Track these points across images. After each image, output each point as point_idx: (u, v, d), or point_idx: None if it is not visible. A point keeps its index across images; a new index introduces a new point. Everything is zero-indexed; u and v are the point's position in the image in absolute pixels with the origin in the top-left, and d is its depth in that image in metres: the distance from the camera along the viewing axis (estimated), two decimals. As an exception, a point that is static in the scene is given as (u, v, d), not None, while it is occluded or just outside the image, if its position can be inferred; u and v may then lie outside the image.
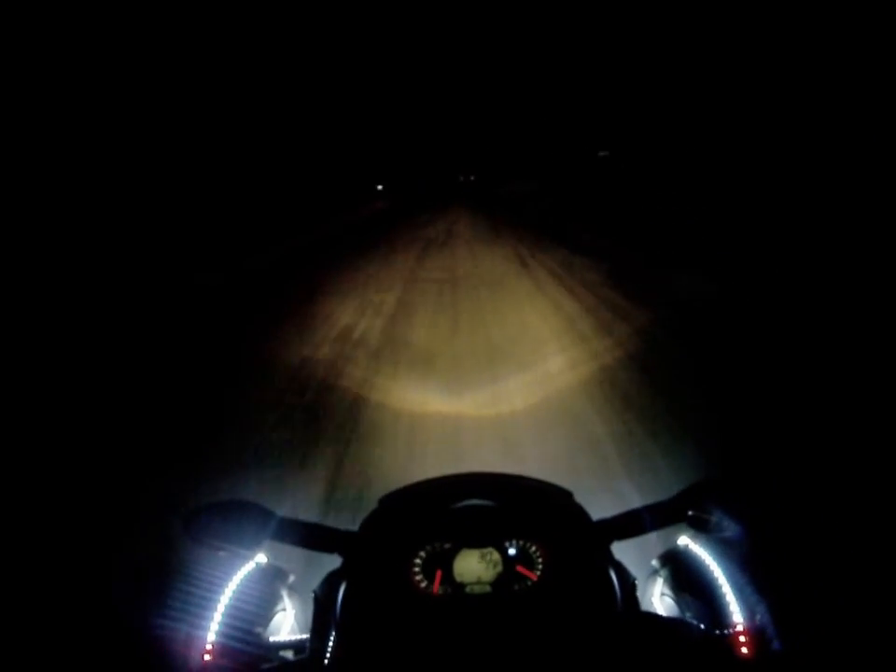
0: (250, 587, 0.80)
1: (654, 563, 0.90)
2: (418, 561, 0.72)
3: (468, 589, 0.69)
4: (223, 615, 0.74)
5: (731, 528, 0.73)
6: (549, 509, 0.79)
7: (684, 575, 0.82)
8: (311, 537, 0.79)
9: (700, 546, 0.82)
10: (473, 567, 0.71)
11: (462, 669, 0.62)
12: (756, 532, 0.72)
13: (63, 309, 5.80)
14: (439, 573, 0.71)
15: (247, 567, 0.82)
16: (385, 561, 0.73)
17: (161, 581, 0.76)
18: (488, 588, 0.69)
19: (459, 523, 0.78)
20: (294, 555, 0.82)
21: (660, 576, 0.88)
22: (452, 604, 0.68)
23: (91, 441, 3.11)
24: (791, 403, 3.26)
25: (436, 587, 0.70)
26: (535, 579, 0.70)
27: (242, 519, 0.78)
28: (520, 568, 0.71)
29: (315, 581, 0.78)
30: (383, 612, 0.68)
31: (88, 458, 2.92)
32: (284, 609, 0.88)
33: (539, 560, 0.72)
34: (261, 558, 0.85)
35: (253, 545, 0.78)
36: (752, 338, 4.48)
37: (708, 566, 0.78)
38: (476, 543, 0.74)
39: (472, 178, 46.87)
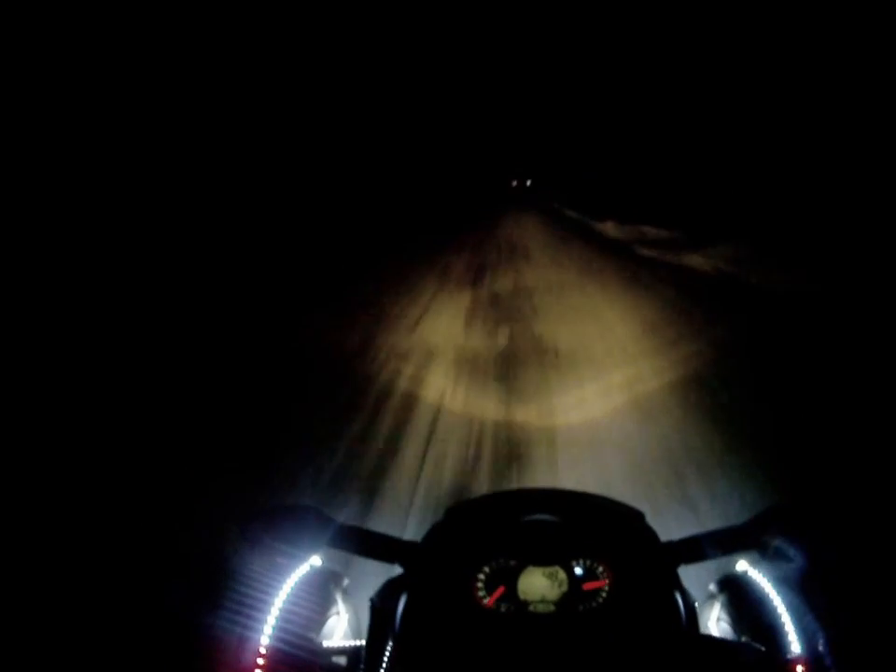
0: (304, 590, 0.78)
1: (712, 587, 0.88)
2: (482, 576, 0.71)
3: (531, 607, 0.67)
4: (277, 618, 0.73)
5: (796, 556, 0.71)
6: (619, 529, 0.77)
7: (743, 600, 0.80)
8: (372, 545, 0.79)
9: (759, 572, 0.79)
10: (538, 584, 0.70)
11: None
12: (819, 561, 0.70)
13: (138, 315, 6.11)
14: (502, 589, 0.69)
15: (302, 570, 0.81)
16: (450, 574, 0.72)
17: (216, 583, 0.75)
18: (552, 607, 0.67)
19: (526, 539, 0.77)
20: (349, 558, 0.80)
21: (717, 600, 0.86)
22: (516, 621, 0.66)
23: (151, 443, 3.23)
24: (870, 431, 3.05)
25: (499, 603, 0.68)
26: (601, 600, 0.67)
27: (302, 524, 0.78)
28: (586, 588, 0.69)
29: (369, 584, 0.76)
30: (444, 626, 0.67)
31: (146, 459, 3.04)
32: (337, 614, 0.86)
33: (606, 580, 0.69)
34: (316, 560, 0.83)
35: (311, 550, 0.79)
36: (839, 361, 4.20)
37: (768, 593, 0.75)
38: (542, 561, 0.72)
39: (528, 184, 46.37)
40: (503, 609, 0.67)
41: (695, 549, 0.76)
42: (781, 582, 0.75)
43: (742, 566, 0.82)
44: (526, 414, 3.52)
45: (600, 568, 0.70)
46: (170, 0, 12.25)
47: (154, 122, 11.13)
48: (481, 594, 0.69)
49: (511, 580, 0.70)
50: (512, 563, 0.72)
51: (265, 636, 0.70)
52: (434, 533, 0.78)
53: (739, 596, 0.81)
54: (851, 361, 4.09)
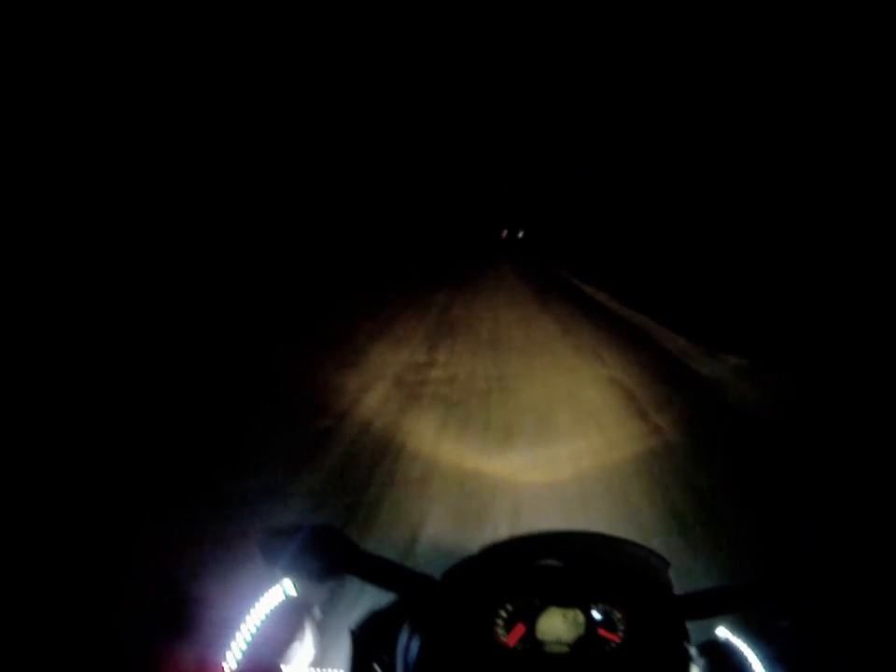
0: (273, 617, 0.77)
1: (693, 651, 0.84)
2: (503, 614, 0.72)
3: (547, 648, 0.68)
4: (245, 642, 0.71)
5: (786, 626, 0.72)
6: (638, 575, 0.78)
7: (722, 667, 0.78)
8: (390, 575, 0.79)
9: (741, 640, 0.78)
10: (556, 626, 0.70)
11: None
12: (808, 635, 0.72)
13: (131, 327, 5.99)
14: (521, 628, 0.70)
15: (272, 596, 0.79)
16: (471, 610, 0.73)
17: (181, 606, 0.74)
18: (567, 649, 0.68)
19: (548, 579, 0.78)
20: (319, 588, 0.80)
21: (697, 665, 0.82)
22: (532, 661, 0.67)
23: (123, 461, 3.14)
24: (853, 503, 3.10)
25: (516, 642, 0.69)
26: (615, 645, 0.68)
27: (325, 545, 0.78)
28: (602, 632, 0.70)
29: (336, 612, 0.75)
30: (462, 661, 0.68)
31: (122, 475, 2.95)
32: (305, 642, 0.84)
33: (622, 626, 0.70)
34: (288, 587, 0.82)
35: (330, 577, 0.78)
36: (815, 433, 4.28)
37: (750, 662, 0.74)
38: (563, 602, 0.73)
39: (520, 235, 45.97)
40: (520, 648, 0.68)
41: (701, 603, 0.77)
42: (764, 652, 0.74)
43: (722, 632, 0.81)
44: (492, 467, 3.47)
45: (617, 614, 0.71)
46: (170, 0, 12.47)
47: (145, 130, 11.15)
48: (500, 631, 0.70)
49: (531, 619, 0.70)
50: (536, 602, 0.72)
51: (231, 660, 0.69)
52: (457, 569, 0.78)
53: (719, 663, 0.79)
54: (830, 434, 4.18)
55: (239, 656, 0.70)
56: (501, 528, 2.72)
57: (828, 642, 0.72)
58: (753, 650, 0.75)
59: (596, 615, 0.71)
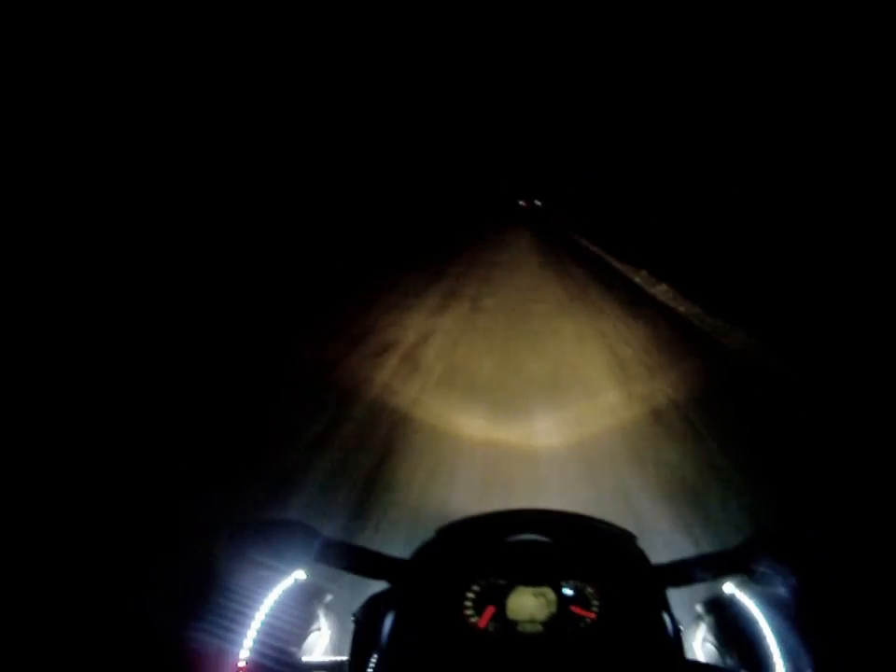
0: (286, 604, 0.78)
1: (699, 609, 0.87)
2: (471, 595, 0.70)
3: (520, 627, 0.67)
4: (257, 632, 0.72)
5: (783, 581, 0.72)
6: (609, 550, 0.78)
7: (728, 624, 0.79)
8: (358, 561, 0.79)
9: (746, 595, 0.79)
10: (527, 605, 0.69)
11: None
12: (806, 586, 0.71)
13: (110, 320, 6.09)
14: (491, 609, 0.69)
15: (285, 584, 0.80)
16: (438, 592, 0.72)
17: (196, 595, 0.75)
18: (540, 627, 0.67)
19: (516, 559, 0.76)
20: (332, 573, 0.81)
21: (703, 622, 0.85)
22: (504, 641, 0.66)
23: (133, 453, 3.20)
24: (854, 455, 3.10)
25: (488, 623, 0.68)
26: (590, 621, 0.67)
27: (288, 538, 0.78)
28: (575, 609, 0.68)
29: (353, 601, 0.75)
30: (431, 644, 0.67)
31: (129, 469, 3.01)
32: (319, 629, 0.85)
33: (595, 602, 0.69)
34: (300, 575, 0.83)
35: (297, 565, 0.78)
36: (811, 388, 4.25)
37: (754, 616, 0.75)
38: (532, 581, 0.71)
39: (538, 203, 45.00)
40: (492, 629, 0.67)
41: (684, 572, 0.77)
42: (768, 606, 0.75)
43: (729, 588, 0.82)
44: (511, 434, 3.51)
45: (589, 590, 0.70)
46: (171, 0, 12.38)
47: (144, 133, 11.19)
48: (469, 612, 0.69)
49: (500, 599, 0.69)
50: (502, 582, 0.71)
51: (245, 649, 0.70)
52: (423, 550, 0.77)
53: (725, 619, 0.80)
54: (837, 391, 4.13)
55: (254, 645, 0.71)
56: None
57: (819, 591, 0.72)
58: (759, 606, 0.76)
59: (568, 592, 0.70)
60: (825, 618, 0.74)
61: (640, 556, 0.76)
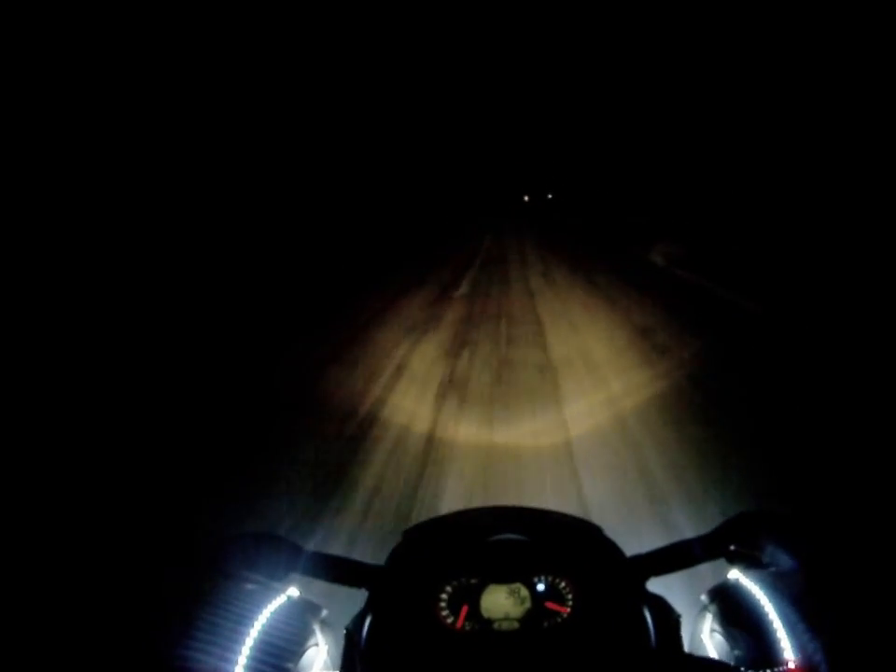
0: (281, 621, 0.76)
1: (704, 598, 0.86)
2: (444, 596, 0.71)
3: (495, 625, 0.67)
4: (251, 649, 0.71)
5: (780, 563, 0.71)
6: (578, 544, 0.78)
7: (734, 611, 0.78)
8: (339, 571, 0.79)
9: (751, 580, 0.78)
10: (501, 602, 0.69)
11: None
12: (809, 567, 0.71)
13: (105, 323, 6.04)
14: (465, 608, 0.69)
15: (278, 601, 0.79)
16: (411, 595, 0.72)
17: (188, 613, 0.74)
18: (516, 624, 0.67)
19: (486, 557, 0.76)
20: (328, 589, 0.80)
21: (709, 611, 0.84)
22: (479, 640, 0.66)
23: (120, 468, 3.17)
24: (847, 434, 3.16)
25: (463, 623, 0.68)
26: (564, 615, 0.67)
27: (268, 552, 0.77)
28: (549, 605, 0.69)
29: (352, 614, 0.75)
30: (408, 648, 0.66)
31: (117, 484, 2.97)
32: (316, 645, 0.84)
33: (569, 596, 0.69)
34: (293, 591, 0.82)
35: (279, 579, 0.77)
36: (812, 367, 4.29)
37: (759, 601, 0.74)
38: (503, 578, 0.72)
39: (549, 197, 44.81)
40: (467, 628, 0.67)
41: (663, 559, 0.76)
42: (773, 591, 0.74)
43: (734, 574, 0.81)
44: (514, 432, 3.50)
45: (563, 584, 0.70)
46: (171, 1, 12.40)
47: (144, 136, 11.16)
48: (444, 613, 0.69)
49: (473, 598, 0.70)
50: (473, 581, 0.71)
51: (240, 667, 0.68)
52: (394, 555, 0.77)
53: (731, 607, 0.79)
54: (834, 372, 4.19)
55: (248, 662, 0.70)
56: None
57: (820, 572, 0.72)
58: (765, 591, 0.75)
59: (541, 587, 0.70)
60: (833, 600, 0.71)
61: (612, 548, 0.76)
